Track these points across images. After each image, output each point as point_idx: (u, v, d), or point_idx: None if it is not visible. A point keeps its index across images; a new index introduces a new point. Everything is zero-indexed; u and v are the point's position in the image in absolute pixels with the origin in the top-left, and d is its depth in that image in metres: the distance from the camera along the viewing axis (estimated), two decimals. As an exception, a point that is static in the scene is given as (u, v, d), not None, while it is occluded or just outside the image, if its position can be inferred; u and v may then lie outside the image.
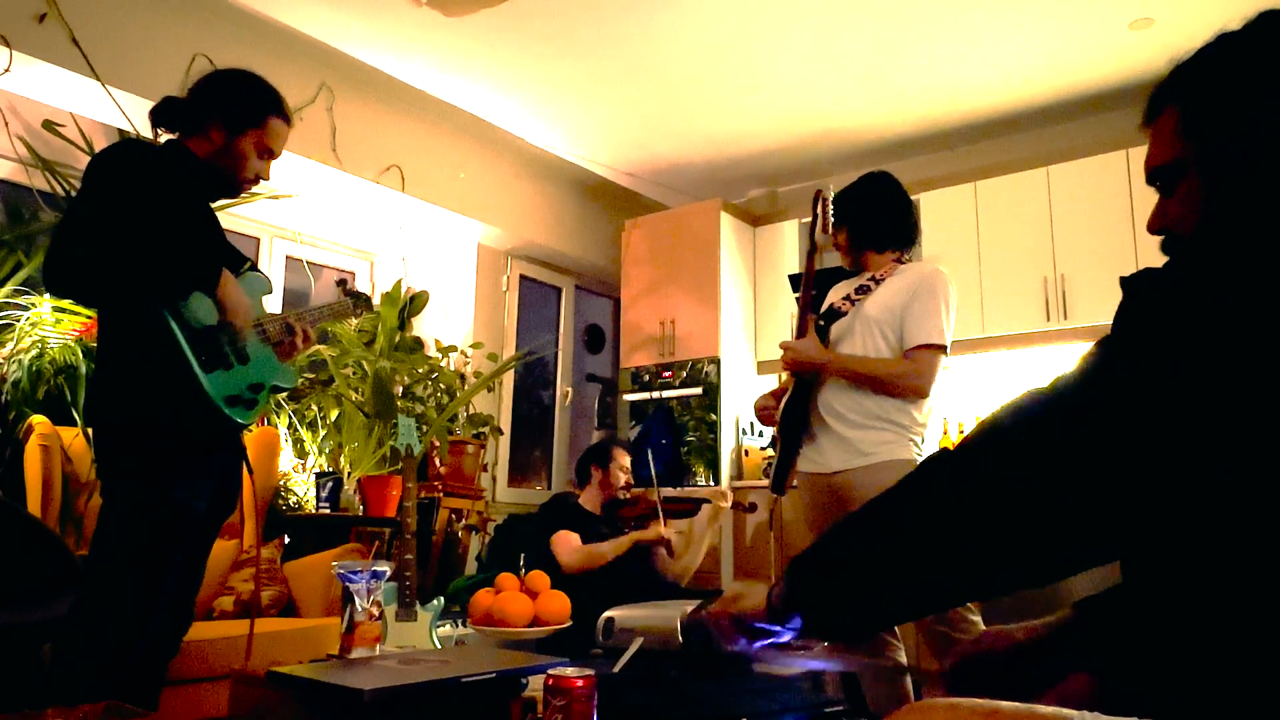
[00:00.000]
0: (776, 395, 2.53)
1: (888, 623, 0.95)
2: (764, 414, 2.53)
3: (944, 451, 0.82)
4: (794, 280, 4.80)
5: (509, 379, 5.07)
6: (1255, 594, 0.69)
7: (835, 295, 2.54)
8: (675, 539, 3.21)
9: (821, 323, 2.43)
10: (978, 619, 2.24)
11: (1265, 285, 0.69)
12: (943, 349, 2.33)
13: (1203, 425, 0.68)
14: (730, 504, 3.29)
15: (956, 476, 0.79)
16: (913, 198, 4.59)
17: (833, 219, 2.51)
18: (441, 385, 4.38)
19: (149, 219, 1.83)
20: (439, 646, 2.08)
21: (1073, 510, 0.72)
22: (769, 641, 0.99)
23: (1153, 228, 0.90)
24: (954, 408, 4.26)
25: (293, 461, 3.96)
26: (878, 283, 2.43)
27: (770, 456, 4.73)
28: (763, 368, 5.03)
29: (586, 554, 3.06)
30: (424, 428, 3.93)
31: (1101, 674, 0.91)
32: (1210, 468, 0.68)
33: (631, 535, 3.13)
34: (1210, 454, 0.68)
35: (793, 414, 2.42)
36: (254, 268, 2.15)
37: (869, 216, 2.49)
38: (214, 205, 2.10)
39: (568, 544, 3.11)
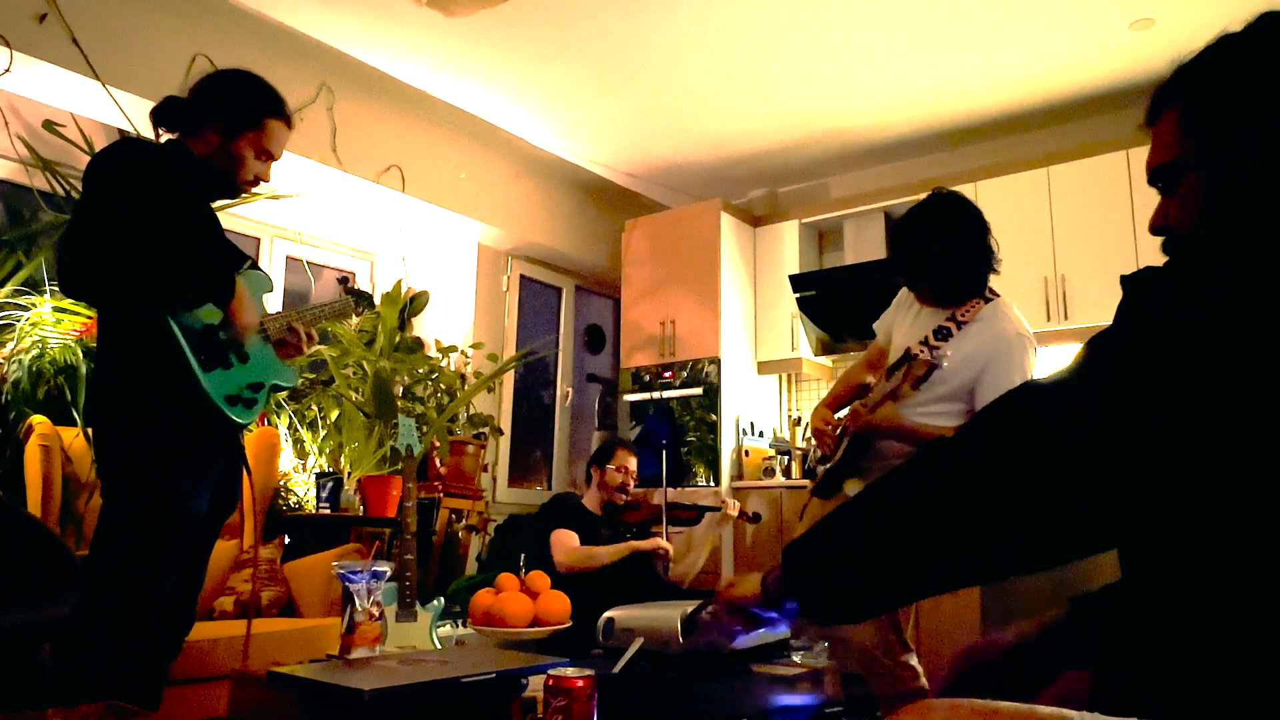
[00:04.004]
0: (834, 427, 2.41)
1: (881, 606, 0.96)
2: (820, 439, 2.43)
3: (941, 439, 0.83)
4: (794, 280, 4.81)
5: (509, 379, 5.07)
6: (1254, 591, 0.69)
7: (904, 326, 2.34)
8: (673, 550, 3.20)
9: (895, 371, 2.22)
10: (914, 662, 2.21)
11: (1261, 282, 0.69)
12: None
13: (1200, 421, 0.68)
14: (736, 514, 3.29)
15: (953, 463, 0.80)
16: (913, 198, 4.62)
17: (900, 271, 2.29)
18: (442, 385, 4.38)
19: (157, 221, 1.83)
20: (439, 647, 2.07)
21: (1067, 501, 0.73)
22: (757, 631, 1.00)
23: (1154, 227, 0.90)
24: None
25: (293, 461, 3.95)
26: (959, 326, 2.20)
27: (771, 457, 4.75)
28: (763, 368, 5.03)
29: (581, 555, 3.06)
30: (424, 428, 3.93)
31: (1098, 671, 0.92)
32: (1208, 463, 0.69)
33: (629, 544, 3.12)
34: (1208, 449, 0.68)
35: (853, 453, 2.33)
36: (254, 266, 2.15)
37: (956, 276, 2.21)
38: (214, 205, 2.10)
39: (564, 543, 3.10)
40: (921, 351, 2.18)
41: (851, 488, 2.34)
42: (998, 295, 2.26)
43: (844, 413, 2.48)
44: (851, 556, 0.85)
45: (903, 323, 2.39)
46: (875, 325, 2.53)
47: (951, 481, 0.79)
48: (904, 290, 2.41)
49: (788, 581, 0.91)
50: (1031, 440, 0.75)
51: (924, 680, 2.20)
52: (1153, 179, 0.91)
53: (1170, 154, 0.87)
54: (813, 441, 4.58)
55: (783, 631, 2.01)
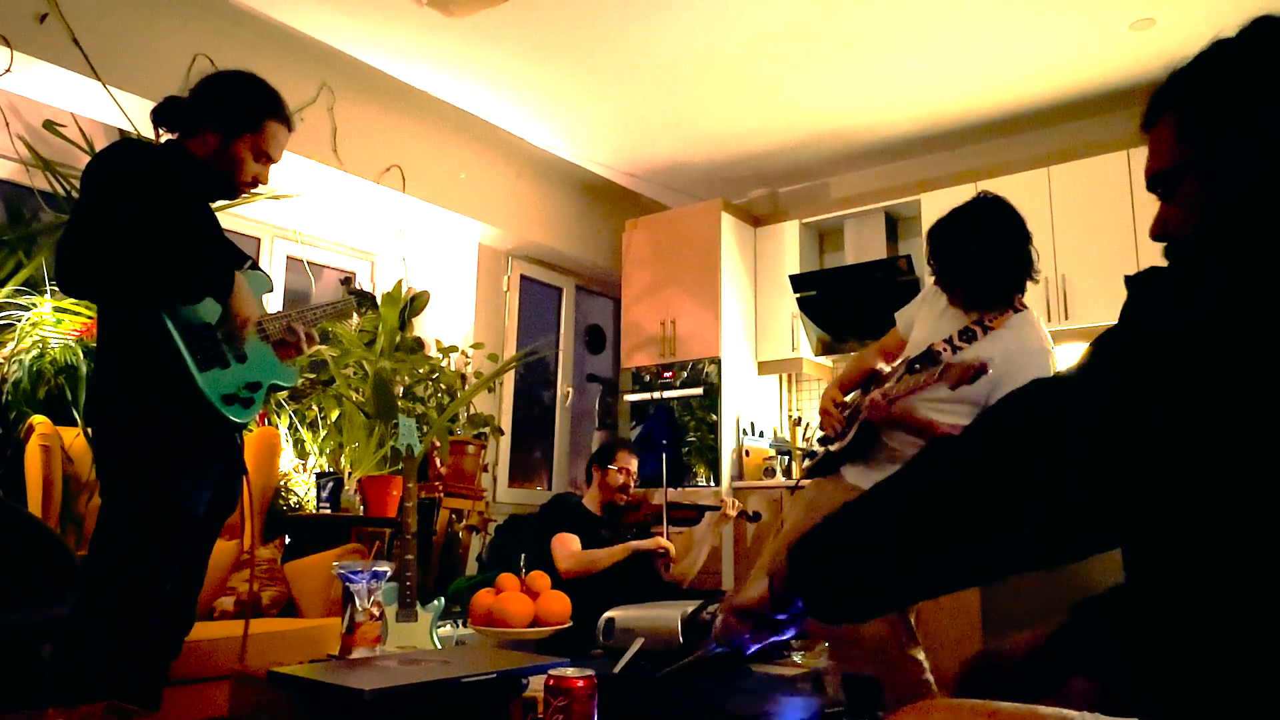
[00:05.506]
0: (842, 409, 2.40)
1: (887, 605, 0.95)
2: (826, 418, 2.43)
3: (948, 437, 0.83)
4: (795, 280, 4.81)
5: (510, 379, 5.07)
6: (1256, 595, 0.69)
7: (928, 322, 2.33)
8: (673, 550, 3.19)
9: (918, 366, 2.20)
10: (921, 656, 2.21)
11: (1259, 285, 0.69)
12: None
13: (1200, 423, 0.68)
14: (736, 513, 3.29)
15: (959, 459, 0.80)
16: (913, 198, 4.64)
17: (935, 269, 2.25)
18: (442, 385, 4.38)
19: (158, 220, 1.83)
20: (439, 647, 2.07)
21: (1071, 499, 0.73)
22: (770, 639, 0.99)
23: (1155, 234, 0.90)
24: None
25: (293, 462, 3.95)
26: (985, 331, 2.19)
27: (771, 457, 4.74)
28: (763, 368, 5.03)
29: (582, 560, 3.05)
30: (424, 428, 3.93)
31: (1101, 677, 0.91)
32: (1208, 464, 0.69)
33: (629, 544, 3.11)
34: (1208, 450, 0.68)
35: (860, 440, 2.33)
36: (255, 266, 2.15)
37: (991, 276, 2.18)
38: (213, 206, 2.09)
39: (565, 548, 3.10)
40: (944, 350, 2.18)
41: (849, 472, 2.34)
42: (1026, 307, 2.27)
43: (851, 395, 2.48)
44: (858, 553, 0.85)
45: (926, 318, 2.38)
46: (897, 314, 2.53)
47: (957, 478, 0.79)
48: (933, 286, 2.38)
49: (794, 580, 0.91)
50: (1036, 438, 0.75)
51: (929, 674, 2.20)
52: (1151, 185, 0.91)
53: (1168, 160, 0.87)
54: (814, 434, 4.57)
55: (787, 634, 2.01)
